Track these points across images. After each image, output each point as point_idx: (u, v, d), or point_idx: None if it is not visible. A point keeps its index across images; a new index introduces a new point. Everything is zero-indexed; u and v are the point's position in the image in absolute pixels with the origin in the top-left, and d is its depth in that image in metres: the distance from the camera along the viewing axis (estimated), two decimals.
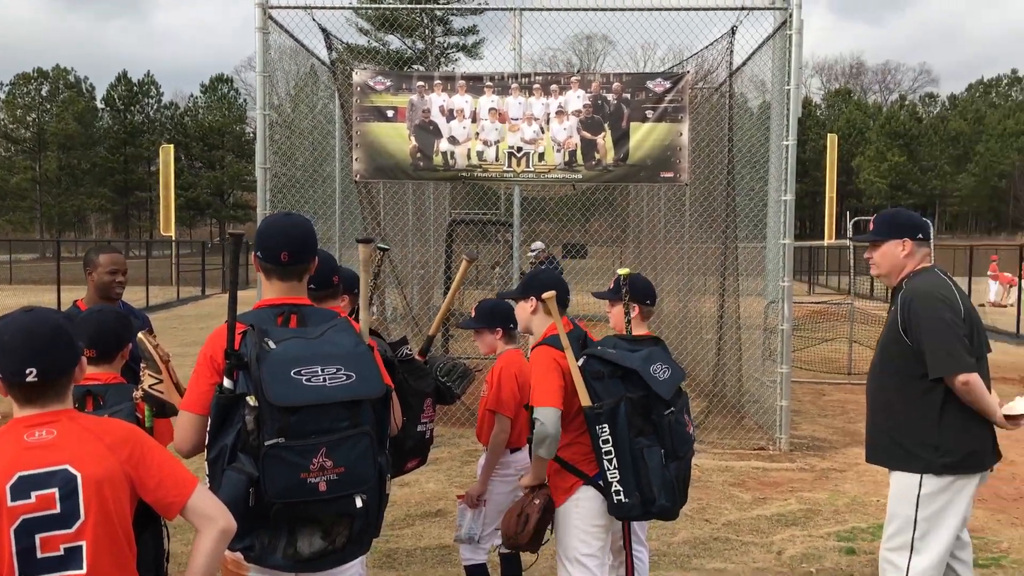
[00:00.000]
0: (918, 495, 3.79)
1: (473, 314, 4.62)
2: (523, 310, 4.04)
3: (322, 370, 2.70)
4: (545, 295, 3.78)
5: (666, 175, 8.76)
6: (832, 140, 23.02)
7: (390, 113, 8.71)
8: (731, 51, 9.71)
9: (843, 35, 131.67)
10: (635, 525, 4.31)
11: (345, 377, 2.72)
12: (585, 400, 3.58)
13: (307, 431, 2.63)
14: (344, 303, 4.16)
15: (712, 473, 7.70)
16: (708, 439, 8.82)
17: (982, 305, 24.77)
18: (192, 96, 74.92)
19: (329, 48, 9.46)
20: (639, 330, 4.18)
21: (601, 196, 13.97)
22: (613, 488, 3.55)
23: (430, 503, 6.78)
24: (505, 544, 3.82)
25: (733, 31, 9.51)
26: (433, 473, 7.57)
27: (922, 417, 3.79)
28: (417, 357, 3.92)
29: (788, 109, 8.55)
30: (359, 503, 2.74)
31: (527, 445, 4.56)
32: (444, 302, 4.12)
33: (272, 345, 2.70)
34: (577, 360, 3.65)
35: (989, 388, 3.82)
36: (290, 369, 2.66)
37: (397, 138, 8.72)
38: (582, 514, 3.71)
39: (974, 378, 3.69)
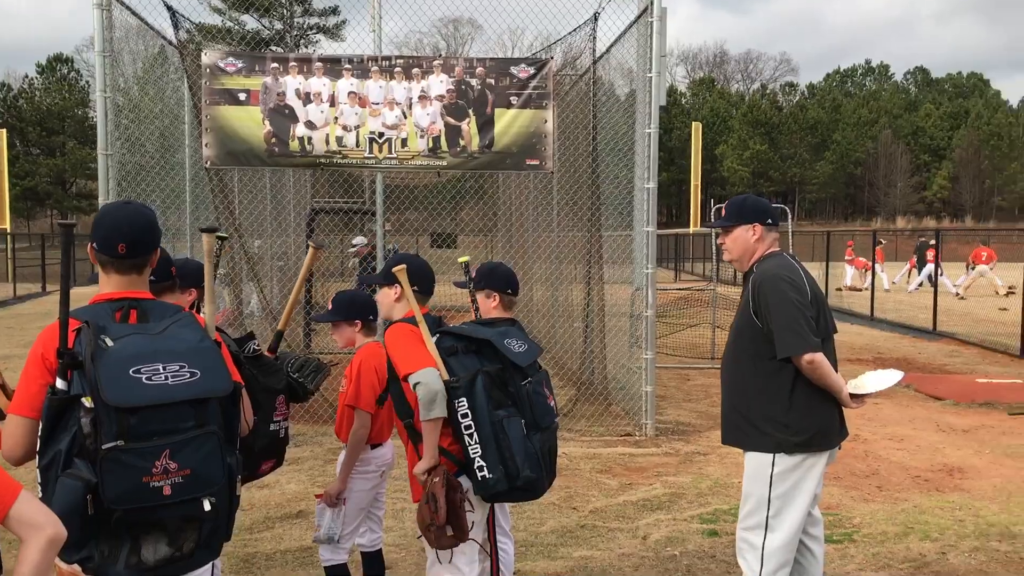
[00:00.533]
0: (771, 474, 3.97)
1: (330, 306, 4.55)
2: (387, 296, 3.97)
3: (164, 368, 2.61)
4: (395, 268, 3.75)
5: (532, 162, 8.86)
6: (696, 128, 23.84)
7: (242, 96, 8.47)
8: (594, 37, 9.88)
9: (708, 24, 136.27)
10: (499, 516, 4.35)
11: (189, 375, 2.64)
12: (441, 375, 3.56)
13: (149, 432, 2.54)
14: (191, 297, 4.05)
15: (580, 461, 7.86)
16: (576, 427, 9.00)
17: (839, 289, 26.18)
18: (28, 77, 70.71)
19: (176, 27, 9.11)
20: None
21: (470, 184, 14.02)
22: (476, 464, 3.53)
23: (291, 504, 6.66)
24: (429, 540, 3.63)
25: (596, 17, 9.68)
26: (294, 473, 7.44)
27: (773, 397, 3.97)
28: (267, 353, 3.83)
29: (650, 96, 8.78)
30: (207, 506, 2.67)
31: (388, 440, 4.56)
32: (291, 295, 4.02)
33: (109, 342, 2.60)
34: (433, 336, 3.65)
35: (836, 368, 4.03)
36: (129, 367, 2.56)
37: (250, 122, 8.48)
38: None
39: (819, 357, 3.88)
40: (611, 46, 10.08)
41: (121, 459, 2.49)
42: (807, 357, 3.86)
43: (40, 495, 2.55)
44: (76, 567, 2.65)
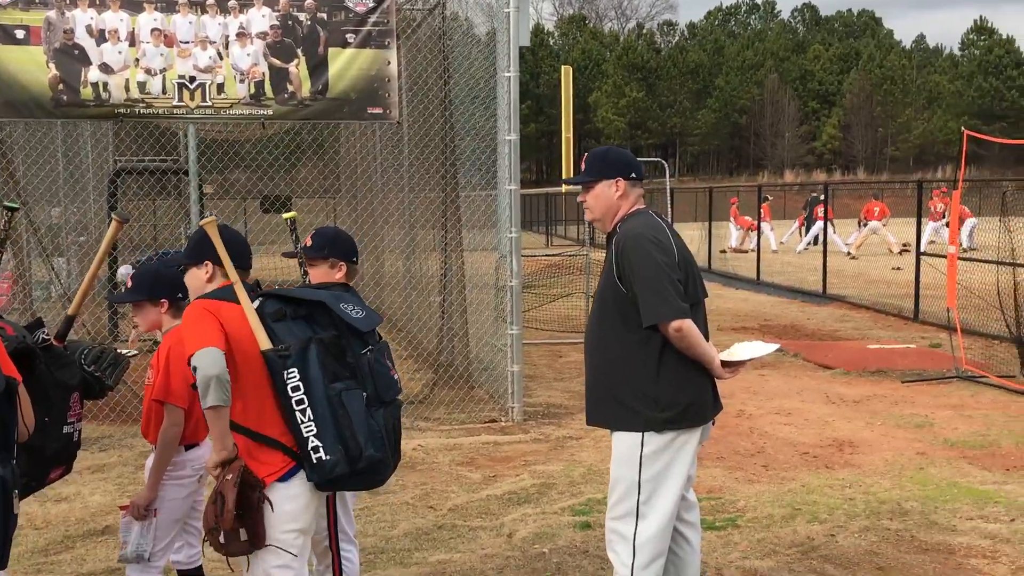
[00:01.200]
0: (641, 455, 4.08)
1: (130, 284, 4.38)
2: (196, 278, 3.82)
3: None
4: (204, 221, 3.62)
5: (374, 111, 8.77)
6: (566, 73, 23.99)
7: (20, 34, 8.06)
8: None
9: None
10: (342, 520, 4.33)
11: None
12: (264, 343, 3.45)
13: None
14: None
15: (438, 453, 7.89)
16: (434, 415, 9.03)
17: (723, 251, 27.14)
18: None
19: None
20: None
21: (306, 137, 13.81)
22: (311, 445, 3.42)
23: (95, 519, 6.44)
24: (215, 546, 3.56)
25: None
26: (99, 482, 7.19)
27: (640, 370, 4.08)
28: (55, 343, 3.67)
29: (509, 35, 8.77)
30: None
31: (206, 439, 4.42)
32: (87, 274, 3.85)
33: None
34: (253, 302, 3.54)
35: (707, 336, 4.18)
36: None
37: (31, 65, 8.09)
38: (274, 518, 3.54)
39: (687, 324, 4.00)
40: None
41: None
42: (674, 324, 3.97)
43: None
44: None
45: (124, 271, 13.99)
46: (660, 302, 3.97)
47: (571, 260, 17.38)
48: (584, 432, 8.42)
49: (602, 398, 4.22)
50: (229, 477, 3.47)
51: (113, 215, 4.08)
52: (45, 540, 6.05)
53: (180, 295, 4.32)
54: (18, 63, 8.11)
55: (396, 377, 3.78)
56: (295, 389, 3.43)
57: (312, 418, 3.43)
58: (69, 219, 13.52)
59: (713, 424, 4.36)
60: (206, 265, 3.77)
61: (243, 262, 3.80)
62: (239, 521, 3.48)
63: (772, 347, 4.33)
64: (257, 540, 3.53)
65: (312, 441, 3.43)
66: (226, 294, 3.58)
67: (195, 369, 3.34)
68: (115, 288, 11.72)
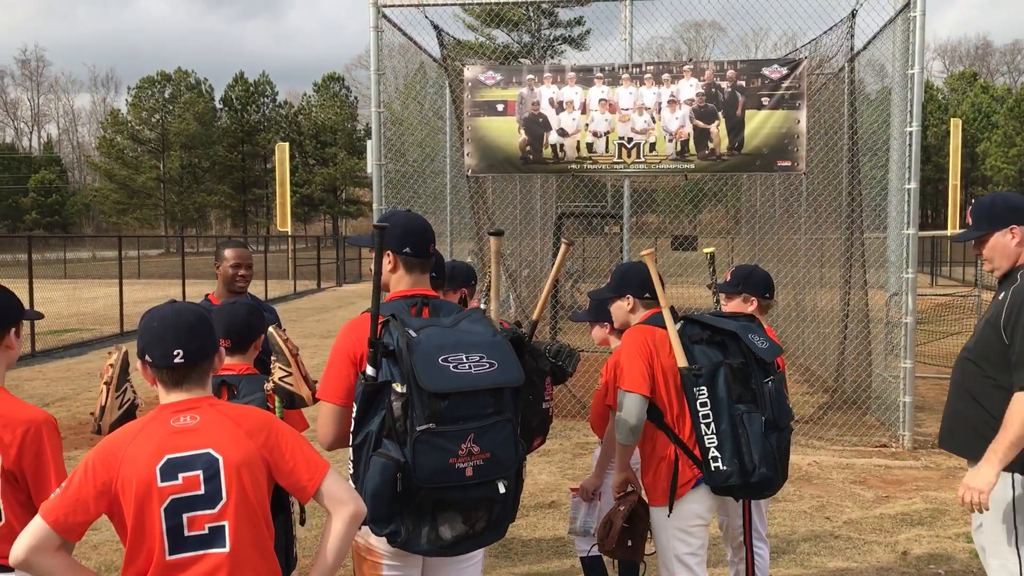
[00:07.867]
0: (1013, 497, 3.42)
1: (587, 307, 4.62)
2: (620, 309, 3.92)
3: (467, 358, 2.73)
4: (644, 252, 3.72)
5: (783, 164, 8.57)
6: (956, 125, 22.08)
7: (500, 107, 8.79)
8: (851, 35, 9.42)
9: (966, 15, 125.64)
10: (756, 520, 4.24)
11: (488, 365, 2.75)
12: (682, 361, 3.47)
13: (456, 417, 2.66)
14: (460, 295, 4.26)
15: (831, 470, 7.50)
16: (827, 435, 8.60)
17: None
18: (305, 95, 76.88)
19: (441, 44, 9.58)
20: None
21: (711, 187, 13.83)
22: (710, 455, 3.41)
23: (543, 495, 6.83)
24: (600, 550, 3.84)
25: (853, 14, 9.23)
26: (545, 465, 7.61)
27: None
28: None
29: (912, 94, 8.25)
30: (502, 488, 2.76)
31: None
32: (545, 286, 4.09)
33: (413, 333, 2.74)
34: (676, 324, 3.57)
35: None
36: (437, 356, 2.69)
37: (507, 132, 8.79)
38: (681, 512, 3.57)
39: None
40: (869, 42, 9.57)
41: (432, 441, 2.63)
42: None
43: (351, 471, 2.76)
44: (373, 541, 2.85)
45: None
46: None
47: (961, 300, 15.80)
48: None
49: (963, 429, 3.58)
50: (622, 508, 3.70)
51: (563, 240, 4.29)
52: None
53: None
54: (496, 131, 8.86)
55: (790, 406, 3.69)
56: (703, 404, 3.44)
57: (715, 432, 3.42)
58: (523, 254, 14.44)
59: None
60: (627, 299, 3.88)
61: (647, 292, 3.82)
62: (623, 539, 3.75)
63: None
64: (638, 554, 3.77)
65: (712, 451, 3.42)
66: (657, 320, 3.65)
67: (620, 403, 3.54)
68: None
